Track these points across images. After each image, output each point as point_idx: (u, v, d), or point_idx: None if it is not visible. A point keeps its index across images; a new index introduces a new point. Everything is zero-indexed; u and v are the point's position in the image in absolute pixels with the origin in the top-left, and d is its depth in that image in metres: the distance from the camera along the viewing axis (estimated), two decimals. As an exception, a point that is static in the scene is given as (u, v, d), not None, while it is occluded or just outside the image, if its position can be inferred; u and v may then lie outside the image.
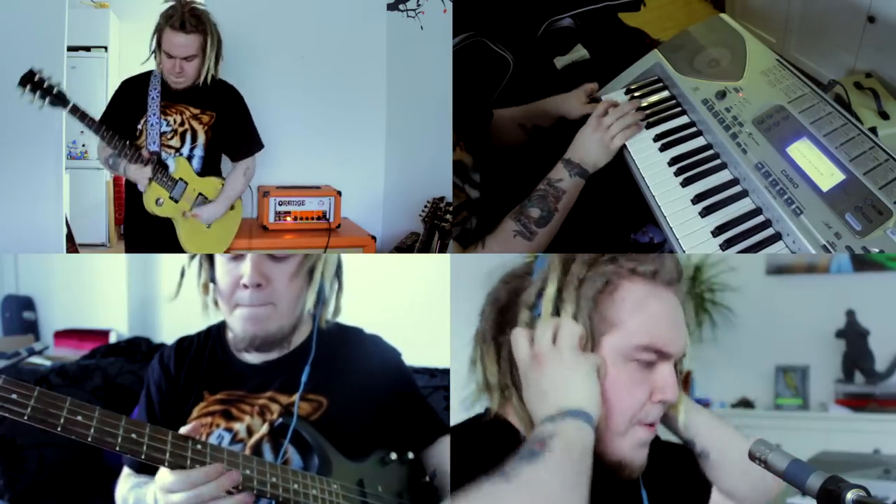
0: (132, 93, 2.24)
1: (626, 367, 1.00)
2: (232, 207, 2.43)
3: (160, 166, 2.21)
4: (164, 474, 1.11)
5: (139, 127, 2.22)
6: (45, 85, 2.02)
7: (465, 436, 1.04)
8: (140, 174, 2.16)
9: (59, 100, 2.04)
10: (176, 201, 2.26)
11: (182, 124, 2.25)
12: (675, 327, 1.03)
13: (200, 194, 2.31)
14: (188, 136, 2.26)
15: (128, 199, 2.37)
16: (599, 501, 0.95)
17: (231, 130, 2.35)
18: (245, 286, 1.36)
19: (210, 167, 2.33)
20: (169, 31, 2.15)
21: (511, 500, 0.83)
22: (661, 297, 1.03)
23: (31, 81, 2.01)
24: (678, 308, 1.05)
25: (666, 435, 1.20)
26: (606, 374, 0.99)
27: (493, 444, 0.87)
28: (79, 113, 2.06)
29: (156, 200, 2.22)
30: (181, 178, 2.25)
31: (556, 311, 1.01)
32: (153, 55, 2.22)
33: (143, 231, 2.33)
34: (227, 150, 2.40)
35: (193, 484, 1.10)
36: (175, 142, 2.25)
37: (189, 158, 2.27)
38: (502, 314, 1.06)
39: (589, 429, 0.93)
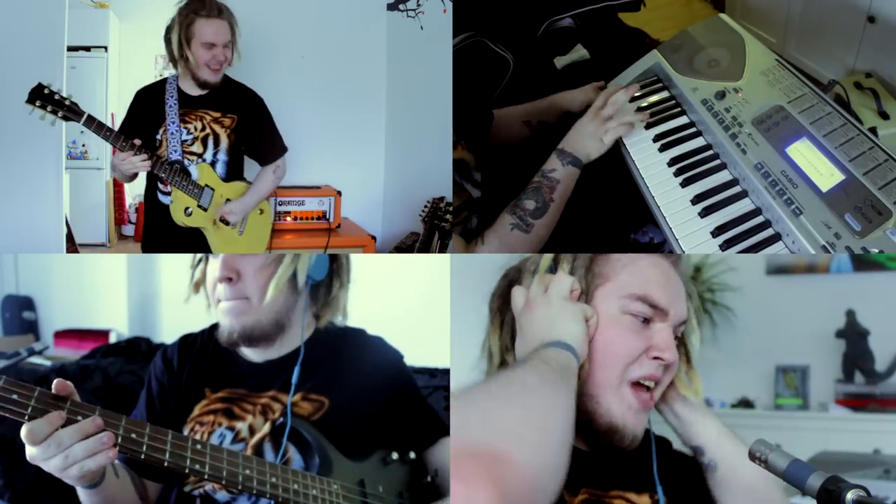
0: (148, 102, 2.19)
1: (621, 319, 1.03)
2: (261, 211, 2.39)
3: (184, 174, 2.14)
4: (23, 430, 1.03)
5: (158, 137, 2.16)
6: (57, 97, 1.93)
7: None
8: (135, 163, 2.04)
9: (73, 112, 1.95)
10: (205, 210, 2.19)
11: (203, 129, 2.19)
12: (669, 288, 1.06)
13: (228, 200, 2.24)
14: (210, 141, 2.20)
15: (147, 216, 2.32)
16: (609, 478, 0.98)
17: (255, 134, 2.30)
18: (219, 281, 1.38)
19: (234, 172, 2.27)
20: (203, 20, 2.10)
21: (493, 390, 0.86)
22: (654, 260, 1.07)
23: (41, 96, 1.91)
24: (674, 274, 1.08)
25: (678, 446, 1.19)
26: (598, 324, 1.02)
27: None
28: (95, 124, 1.98)
29: (185, 210, 2.16)
30: (207, 185, 2.18)
31: (553, 271, 1.06)
32: (181, 57, 2.12)
33: (167, 248, 2.26)
34: (253, 155, 2.35)
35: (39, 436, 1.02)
36: (197, 147, 2.18)
37: (213, 164, 2.21)
38: (510, 286, 1.10)
39: (569, 354, 0.95)
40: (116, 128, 2.14)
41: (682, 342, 1.11)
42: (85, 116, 1.96)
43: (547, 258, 1.07)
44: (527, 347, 1.00)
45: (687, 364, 1.14)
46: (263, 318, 1.40)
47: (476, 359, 1.15)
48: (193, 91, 2.20)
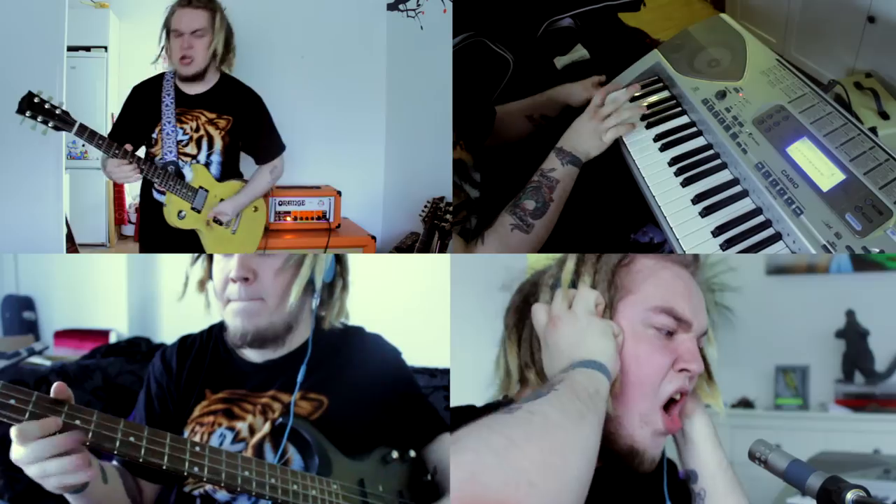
0: (145, 99, 2.18)
1: (644, 333, 1.01)
2: (256, 209, 2.39)
3: (178, 176, 2.13)
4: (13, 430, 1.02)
5: (154, 136, 2.16)
6: (47, 107, 1.87)
7: (470, 414, 1.01)
8: (127, 173, 2.01)
9: (64, 122, 1.89)
10: (199, 212, 2.19)
11: (197, 130, 2.18)
12: (690, 298, 1.04)
13: (222, 200, 2.24)
14: (204, 143, 2.19)
15: (143, 212, 2.32)
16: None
17: (252, 134, 2.29)
18: (233, 280, 1.37)
19: (229, 171, 2.26)
20: (178, 10, 2.12)
21: (510, 426, 0.81)
22: (674, 270, 1.05)
23: (31, 105, 1.85)
24: (694, 285, 1.07)
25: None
26: (624, 341, 1.00)
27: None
28: (87, 133, 1.93)
29: (178, 213, 2.16)
30: (201, 187, 2.18)
31: (574, 285, 1.04)
32: (163, 50, 2.16)
33: (162, 244, 2.26)
34: (251, 153, 2.35)
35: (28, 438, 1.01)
36: (191, 149, 2.18)
37: (207, 165, 2.20)
38: (526, 301, 1.09)
39: (601, 376, 0.93)
40: (112, 123, 2.13)
41: (700, 353, 1.08)
42: (76, 126, 1.91)
43: (568, 272, 1.04)
44: (556, 365, 0.97)
45: (707, 376, 1.12)
46: (277, 320, 1.40)
47: (490, 374, 1.12)
48: (188, 88, 2.19)
